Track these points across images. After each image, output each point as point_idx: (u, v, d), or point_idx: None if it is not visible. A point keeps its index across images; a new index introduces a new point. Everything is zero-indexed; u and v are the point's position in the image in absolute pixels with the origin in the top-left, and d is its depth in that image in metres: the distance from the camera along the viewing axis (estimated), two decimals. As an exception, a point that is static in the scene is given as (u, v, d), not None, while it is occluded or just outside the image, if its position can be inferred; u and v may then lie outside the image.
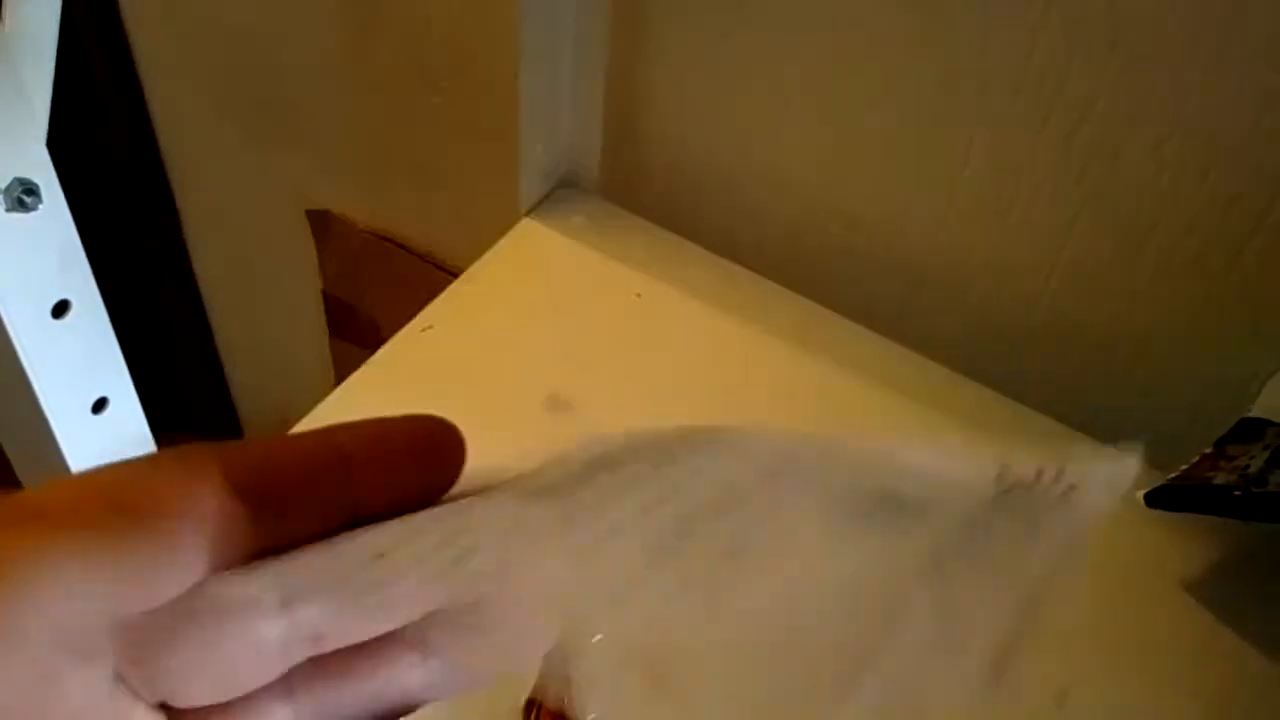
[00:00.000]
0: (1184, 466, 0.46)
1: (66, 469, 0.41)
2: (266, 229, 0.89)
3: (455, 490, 0.21)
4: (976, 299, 0.57)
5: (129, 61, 0.84)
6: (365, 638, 0.20)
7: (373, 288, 0.85)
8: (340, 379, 0.53)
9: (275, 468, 0.19)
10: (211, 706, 0.19)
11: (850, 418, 0.52)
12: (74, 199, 0.45)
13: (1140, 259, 0.51)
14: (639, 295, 0.57)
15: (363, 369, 0.53)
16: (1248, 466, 0.44)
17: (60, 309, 0.40)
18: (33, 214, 0.39)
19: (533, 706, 0.39)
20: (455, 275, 0.58)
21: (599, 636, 0.20)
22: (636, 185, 0.64)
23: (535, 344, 0.55)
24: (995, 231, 0.55)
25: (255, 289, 0.99)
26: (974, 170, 0.53)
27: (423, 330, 0.55)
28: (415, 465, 0.20)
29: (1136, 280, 0.52)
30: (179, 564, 0.18)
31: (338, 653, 0.19)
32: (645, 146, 0.63)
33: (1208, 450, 0.47)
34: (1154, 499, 0.45)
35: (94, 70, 0.84)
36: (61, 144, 0.47)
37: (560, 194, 0.62)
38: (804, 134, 0.57)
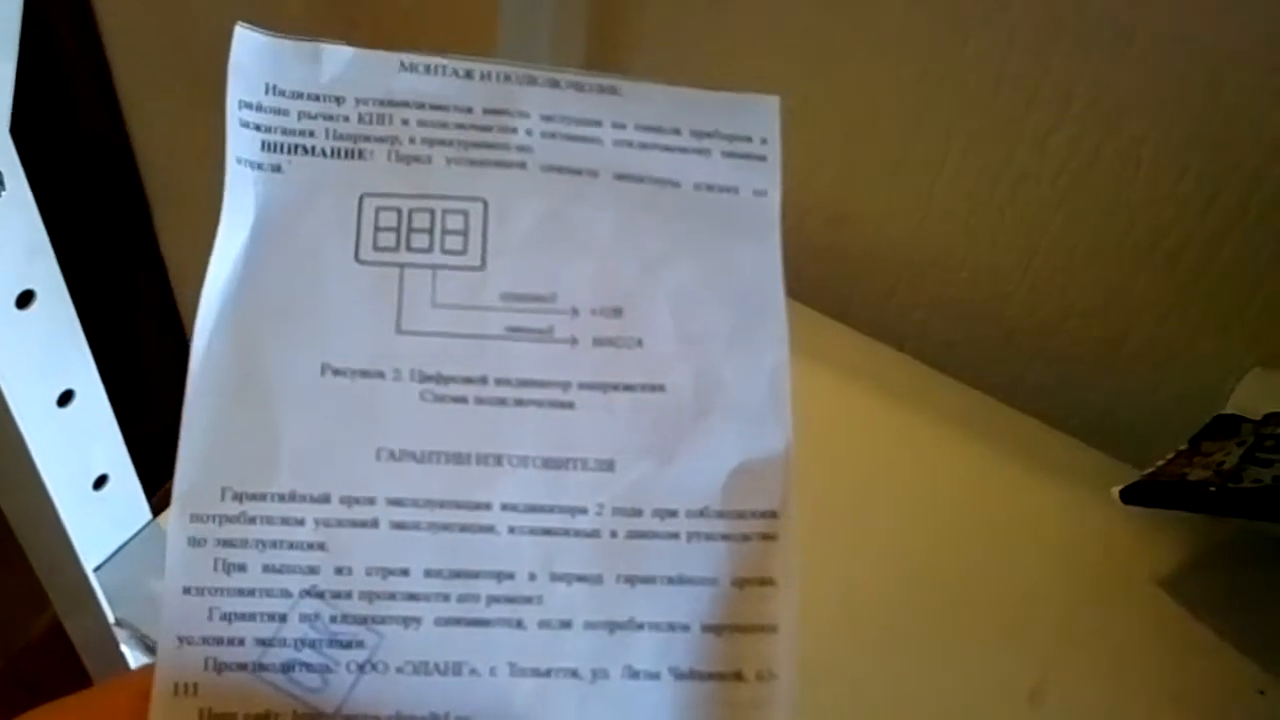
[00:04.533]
0: (1159, 463, 0.46)
1: (32, 462, 0.40)
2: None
3: None
4: (954, 296, 0.57)
5: (98, 46, 0.83)
6: None
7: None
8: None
9: None
10: None
11: (824, 414, 0.52)
12: (41, 186, 0.44)
13: (1117, 256, 0.51)
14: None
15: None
16: (1223, 463, 0.44)
17: (25, 299, 0.39)
18: (-3, 201, 0.38)
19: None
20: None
21: None
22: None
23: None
24: (973, 229, 0.54)
25: (226, 278, 0.98)
26: (952, 168, 0.53)
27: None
28: None
29: (1113, 278, 0.52)
30: None
31: None
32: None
33: (1183, 447, 0.47)
34: (1129, 495, 0.45)
35: (62, 55, 0.82)
36: (27, 131, 0.46)
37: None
38: (783, 130, 0.57)
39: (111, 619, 0.44)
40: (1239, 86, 0.44)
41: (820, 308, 0.58)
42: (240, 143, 0.22)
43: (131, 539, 0.45)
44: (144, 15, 0.80)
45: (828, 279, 0.60)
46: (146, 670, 0.20)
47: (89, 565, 0.44)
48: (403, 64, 0.23)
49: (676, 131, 0.24)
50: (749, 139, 0.24)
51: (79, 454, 0.43)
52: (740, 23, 0.54)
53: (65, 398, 0.41)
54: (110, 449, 0.44)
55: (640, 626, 0.21)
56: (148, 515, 0.46)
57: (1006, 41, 0.47)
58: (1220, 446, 0.46)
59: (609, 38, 0.58)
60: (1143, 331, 0.53)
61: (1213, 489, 0.43)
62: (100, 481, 0.44)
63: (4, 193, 0.38)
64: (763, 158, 0.25)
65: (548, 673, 0.20)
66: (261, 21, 0.24)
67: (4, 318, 0.38)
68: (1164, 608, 0.47)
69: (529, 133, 0.23)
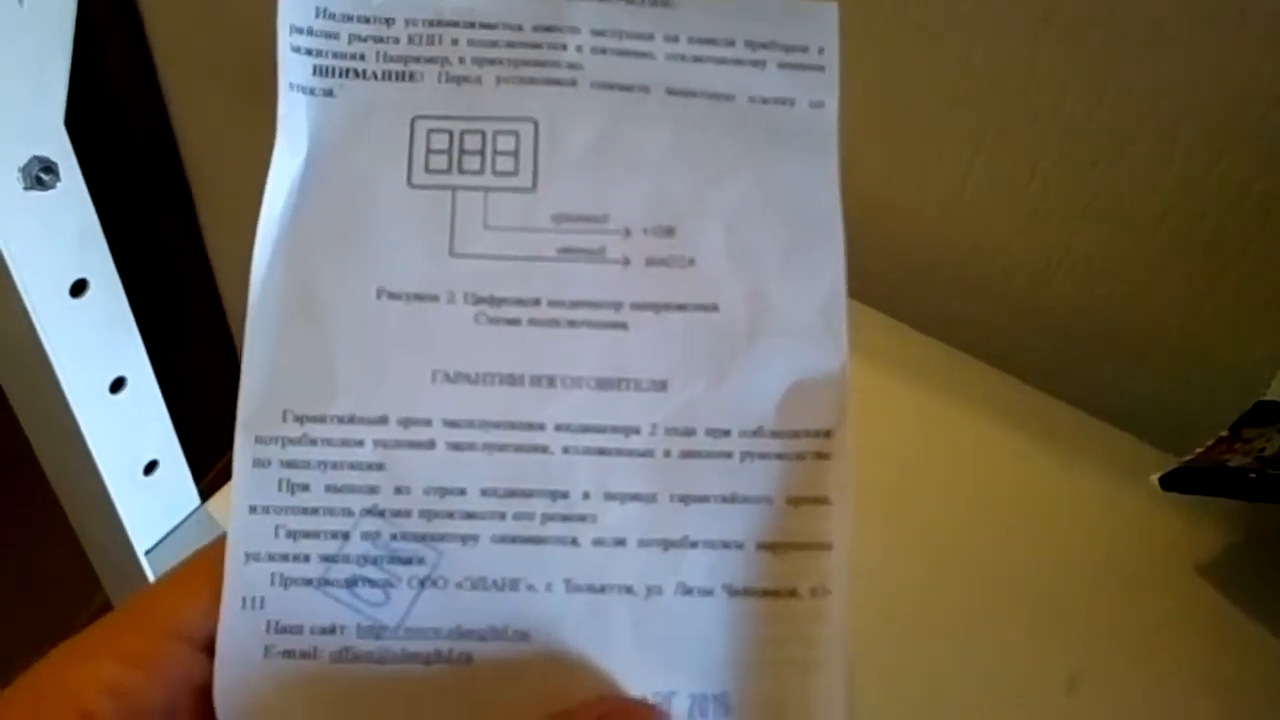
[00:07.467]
0: (1199, 449, 0.46)
1: (86, 448, 0.41)
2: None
3: None
4: (989, 283, 0.57)
5: (143, 42, 0.84)
6: None
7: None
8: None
9: None
10: None
11: (860, 401, 0.52)
12: (91, 179, 0.45)
13: (1153, 243, 0.51)
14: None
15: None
16: (1264, 449, 0.44)
17: (79, 288, 0.40)
18: (51, 192, 0.39)
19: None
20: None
21: None
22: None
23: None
24: (1008, 217, 0.54)
25: (270, 270, 0.99)
26: (987, 156, 0.53)
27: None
28: None
29: (1150, 264, 0.52)
30: None
31: None
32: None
33: (1223, 433, 0.46)
34: (1169, 482, 0.45)
35: (109, 51, 0.84)
36: (78, 124, 0.47)
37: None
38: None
39: (162, 600, 0.45)
40: (1274, 72, 0.43)
41: (855, 295, 0.58)
42: (292, 68, 0.23)
43: (181, 523, 0.46)
44: (188, 12, 0.81)
45: (863, 267, 0.59)
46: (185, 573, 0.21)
47: (140, 549, 0.45)
48: None
49: (731, 43, 0.23)
50: (805, 49, 0.24)
51: (130, 440, 0.44)
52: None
53: (117, 384, 0.43)
54: (160, 435, 0.46)
55: (694, 544, 0.21)
56: (196, 500, 0.47)
57: (1040, 29, 0.47)
58: (1261, 433, 0.46)
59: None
60: (1181, 317, 0.52)
61: (1253, 475, 0.43)
62: (150, 467, 0.45)
63: (60, 183, 0.39)
64: (820, 68, 0.24)
65: (602, 589, 0.21)
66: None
67: (59, 306, 0.39)
68: (1203, 595, 0.46)
69: (579, 49, 0.23)
